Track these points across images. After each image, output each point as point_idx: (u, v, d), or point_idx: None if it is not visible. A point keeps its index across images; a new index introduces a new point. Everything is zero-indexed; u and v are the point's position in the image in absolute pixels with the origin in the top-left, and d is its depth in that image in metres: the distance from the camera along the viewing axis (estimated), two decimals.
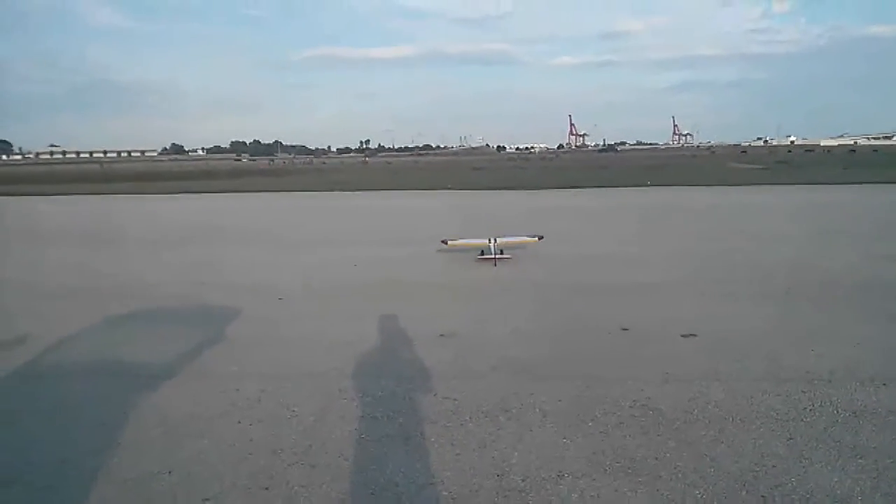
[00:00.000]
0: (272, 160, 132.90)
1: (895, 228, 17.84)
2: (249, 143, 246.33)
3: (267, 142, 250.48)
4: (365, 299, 10.59)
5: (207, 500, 4.64)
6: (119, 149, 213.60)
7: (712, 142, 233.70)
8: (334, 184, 43.60)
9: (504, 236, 14.31)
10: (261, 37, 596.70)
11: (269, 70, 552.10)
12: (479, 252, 14.15)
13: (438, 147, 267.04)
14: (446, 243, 14.27)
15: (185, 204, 32.46)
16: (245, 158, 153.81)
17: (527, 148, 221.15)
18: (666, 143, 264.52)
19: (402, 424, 5.70)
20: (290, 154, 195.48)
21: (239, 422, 5.90)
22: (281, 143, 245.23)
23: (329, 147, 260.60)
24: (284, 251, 16.10)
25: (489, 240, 14.01)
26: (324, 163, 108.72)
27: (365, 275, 12.75)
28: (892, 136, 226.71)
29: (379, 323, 8.94)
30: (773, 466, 4.82)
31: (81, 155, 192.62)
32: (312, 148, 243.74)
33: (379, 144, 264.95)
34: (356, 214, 26.17)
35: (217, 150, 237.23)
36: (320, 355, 7.66)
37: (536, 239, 14.44)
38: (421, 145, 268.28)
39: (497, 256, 13.75)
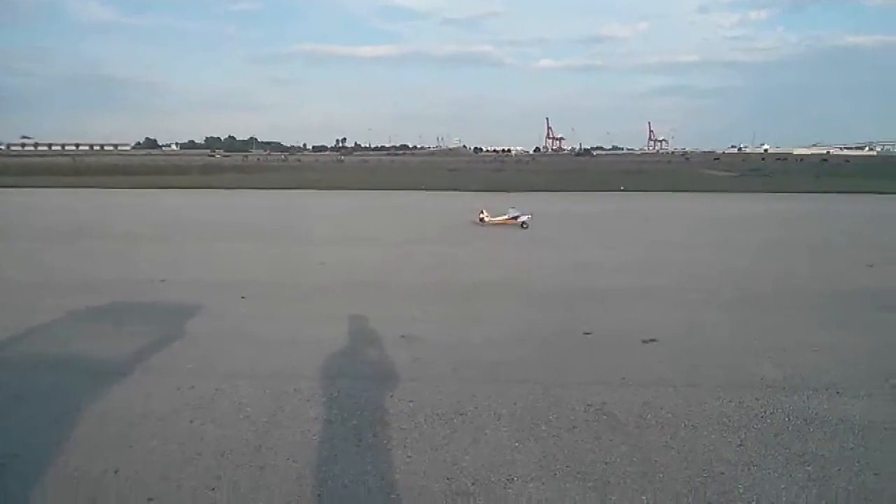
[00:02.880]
0: (246, 157, 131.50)
1: (860, 239, 18.03)
2: (224, 139, 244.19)
3: (242, 138, 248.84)
4: (329, 299, 10.55)
5: (152, 499, 4.58)
6: (93, 142, 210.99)
7: (687, 148, 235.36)
8: (308, 182, 43.31)
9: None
10: (245, 33, 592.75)
11: (251, 66, 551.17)
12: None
13: (415, 147, 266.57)
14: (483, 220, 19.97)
15: (154, 199, 32.07)
16: (219, 154, 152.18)
17: (504, 150, 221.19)
18: (641, 149, 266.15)
19: (356, 426, 5.66)
20: (264, 151, 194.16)
21: (191, 421, 5.83)
22: (256, 139, 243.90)
23: (304, 145, 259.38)
24: (250, 248, 15.98)
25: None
26: (298, 160, 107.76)
27: (331, 274, 12.70)
28: (865, 147, 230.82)
29: (341, 323, 8.88)
30: (722, 473, 4.85)
31: (53, 147, 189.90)
32: (288, 145, 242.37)
33: (355, 143, 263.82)
34: (326, 213, 25.99)
35: (191, 145, 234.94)
36: (278, 355, 7.60)
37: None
38: (398, 145, 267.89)
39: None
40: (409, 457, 5.11)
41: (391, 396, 6.33)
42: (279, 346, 7.92)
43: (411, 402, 6.19)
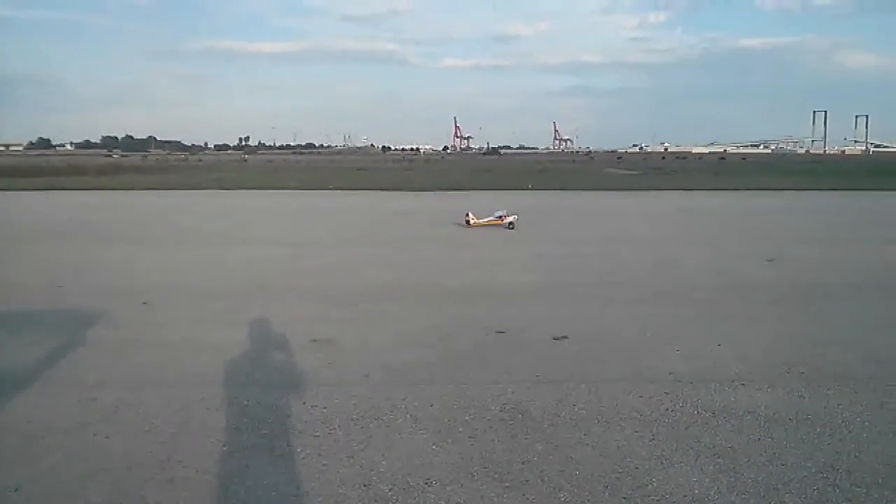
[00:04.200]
0: (145, 156, 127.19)
1: (761, 234, 18.78)
2: (122, 139, 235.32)
3: (140, 137, 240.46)
4: (236, 303, 10.21)
5: None
6: None
7: (591, 147, 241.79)
8: (210, 181, 42.19)
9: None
10: (142, 28, 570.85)
11: (149, 63, 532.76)
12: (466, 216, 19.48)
13: (322, 146, 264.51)
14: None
15: (49, 202, 30.58)
16: (116, 154, 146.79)
17: (412, 149, 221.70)
18: (547, 148, 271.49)
19: (268, 435, 5.48)
20: (164, 150, 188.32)
21: (94, 434, 5.52)
22: (155, 138, 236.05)
23: (206, 144, 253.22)
24: (151, 252, 15.39)
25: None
26: (200, 160, 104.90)
27: (237, 277, 12.36)
28: (759, 145, 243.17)
29: (249, 328, 8.63)
30: (636, 467, 4.92)
31: None
32: (188, 144, 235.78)
33: (259, 142, 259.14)
34: (231, 214, 25.31)
35: (87, 144, 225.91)
36: (184, 362, 7.32)
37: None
38: (304, 143, 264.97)
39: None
40: (325, 464, 4.98)
41: (303, 403, 6.16)
42: (185, 354, 7.63)
43: (325, 408, 6.05)
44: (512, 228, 19.03)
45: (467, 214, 19.56)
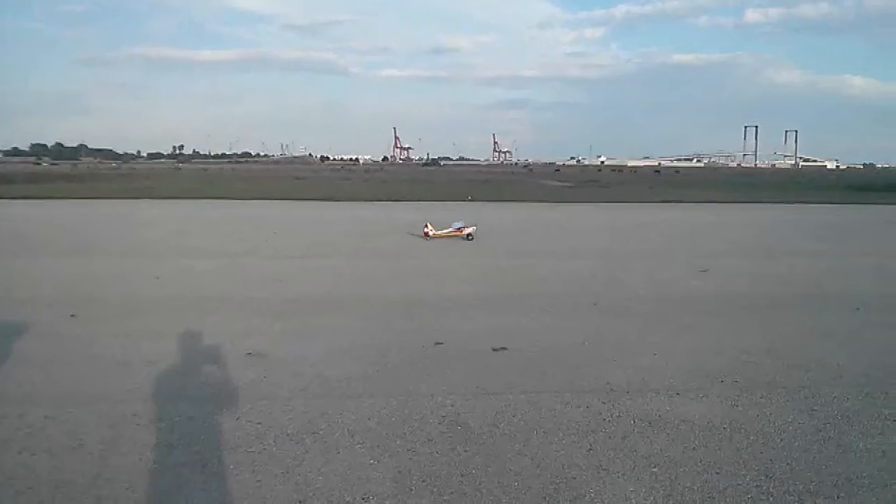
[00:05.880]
0: (76, 164, 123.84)
1: (695, 246, 19.27)
2: (52, 146, 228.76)
3: (71, 145, 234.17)
4: (167, 315, 9.93)
5: None
6: None
7: (529, 159, 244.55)
8: (142, 191, 41.29)
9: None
10: (72, 35, 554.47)
11: (80, 70, 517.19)
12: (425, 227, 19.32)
13: (259, 155, 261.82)
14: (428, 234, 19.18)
15: None
16: (46, 162, 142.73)
17: (352, 159, 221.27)
18: (487, 160, 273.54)
19: (200, 451, 5.32)
20: (95, 158, 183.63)
21: (20, 452, 5.30)
22: (86, 146, 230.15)
23: (139, 152, 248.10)
24: (78, 262, 14.94)
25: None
26: (132, 168, 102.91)
27: (168, 288, 12.05)
28: (692, 158, 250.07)
29: (181, 341, 8.40)
30: (574, 478, 4.93)
31: None
32: (121, 152, 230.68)
33: (194, 150, 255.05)
34: (162, 224, 24.66)
35: (15, 152, 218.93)
36: (114, 377, 7.07)
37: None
38: (240, 152, 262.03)
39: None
40: (259, 481, 4.86)
41: (237, 418, 6.01)
42: (114, 368, 7.38)
43: (259, 423, 5.91)
44: (471, 240, 19.11)
45: (426, 226, 19.48)
